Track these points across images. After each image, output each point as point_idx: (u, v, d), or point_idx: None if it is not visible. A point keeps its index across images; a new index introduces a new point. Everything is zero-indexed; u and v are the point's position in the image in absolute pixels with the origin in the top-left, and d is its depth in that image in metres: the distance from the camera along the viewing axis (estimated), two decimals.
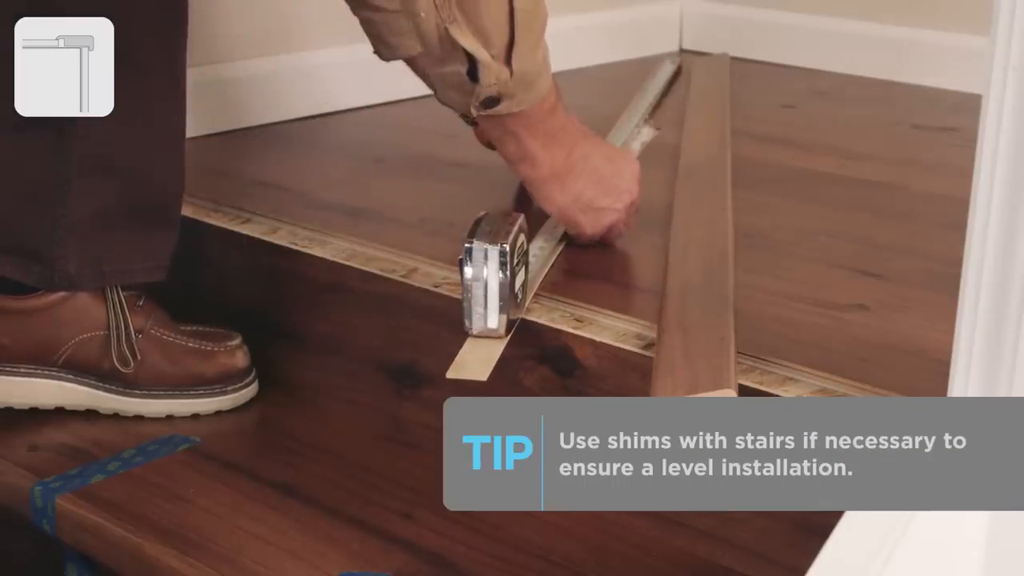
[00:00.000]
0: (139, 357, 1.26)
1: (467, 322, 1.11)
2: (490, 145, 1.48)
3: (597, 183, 1.27)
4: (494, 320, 1.10)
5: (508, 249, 1.09)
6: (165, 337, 1.28)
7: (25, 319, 1.26)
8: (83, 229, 1.24)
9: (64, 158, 1.22)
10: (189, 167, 1.31)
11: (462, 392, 1.10)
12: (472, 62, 1.13)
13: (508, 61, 1.14)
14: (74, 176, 1.23)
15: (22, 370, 1.26)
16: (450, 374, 1.07)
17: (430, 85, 1.19)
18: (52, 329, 1.26)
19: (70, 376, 1.27)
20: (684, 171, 1.51)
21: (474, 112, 1.17)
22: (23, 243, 1.25)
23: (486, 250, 1.09)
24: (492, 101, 1.16)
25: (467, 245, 1.09)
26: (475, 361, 1.08)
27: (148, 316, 1.28)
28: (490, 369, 1.08)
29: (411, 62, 1.17)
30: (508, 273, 1.09)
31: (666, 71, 2.01)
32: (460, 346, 1.11)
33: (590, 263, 1.27)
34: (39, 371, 1.27)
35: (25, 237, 1.25)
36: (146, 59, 1.21)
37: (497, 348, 1.10)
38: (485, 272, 1.09)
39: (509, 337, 1.11)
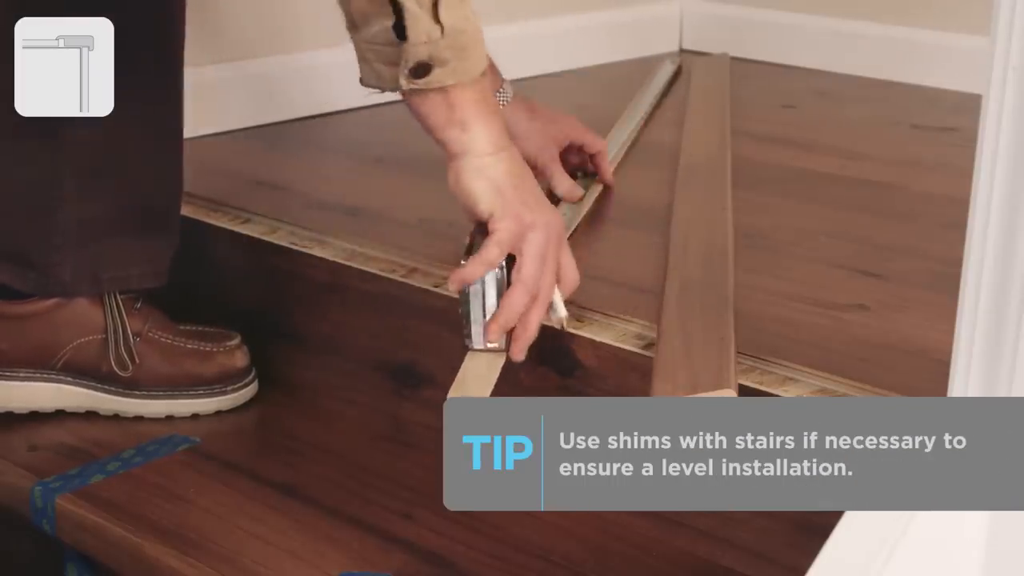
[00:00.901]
0: (137, 360, 1.26)
1: (466, 338, 1.10)
2: None
3: (526, 187, 1.11)
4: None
5: (504, 265, 1.08)
6: (163, 339, 1.28)
7: (23, 324, 1.26)
8: (78, 235, 1.24)
9: (59, 164, 1.22)
10: (189, 167, 1.31)
11: None
12: (399, 14, 1.02)
13: (436, 14, 1.02)
14: (69, 182, 1.22)
15: (21, 374, 1.26)
16: (451, 394, 1.06)
17: (360, 60, 1.08)
18: (50, 333, 1.26)
19: (69, 378, 1.27)
20: (684, 171, 1.51)
21: (404, 84, 1.04)
22: (18, 249, 1.25)
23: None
24: (423, 69, 1.03)
25: (464, 263, 1.08)
26: (476, 379, 1.08)
27: (146, 319, 1.28)
28: (491, 387, 1.07)
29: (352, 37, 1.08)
30: (506, 285, 1.08)
31: (666, 71, 2.01)
32: (460, 346, 1.10)
33: (590, 263, 1.27)
34: (38, 375, 1.26)
35: (20, 243, 1.24)
36: (143, 62, 1.20)
37: (497, 364, 1.09)
38: (482, 288, 1.08)
39: (506, 356, 1.11)
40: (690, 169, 1.52)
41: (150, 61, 1.22)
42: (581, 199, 1.41)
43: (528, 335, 1.09)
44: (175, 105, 1.27)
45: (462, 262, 1.08)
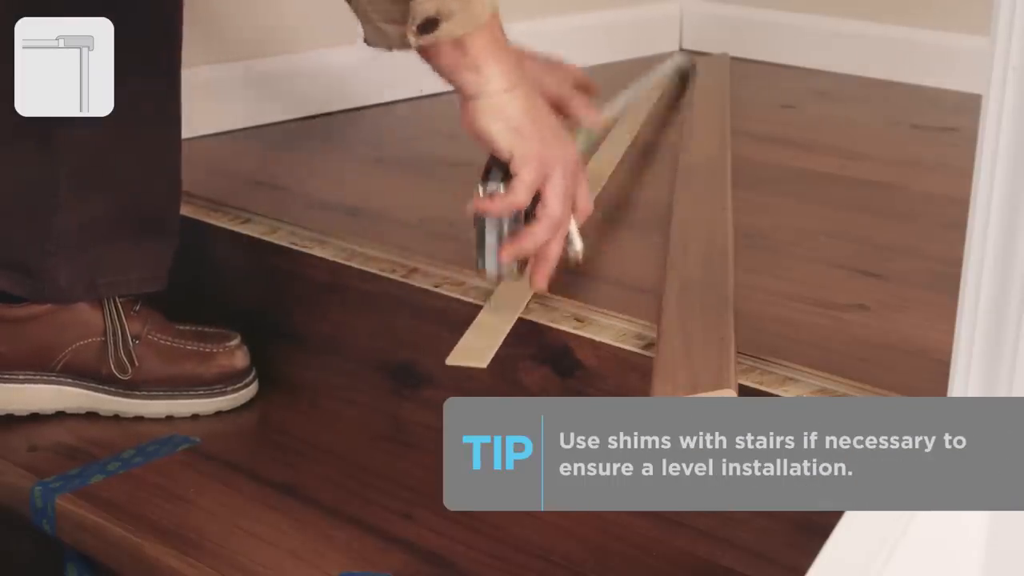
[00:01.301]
0: (137, 363, 1.26)
1: (480, 263, 1.10)
2: None
3: (544, 122, 1.10)
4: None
5: None
6: (163, 341, 1.27)
7: (22, 327, 1.25)
8: (73, 241, 1.23)
9: (53, 168, 1.21)
10: (189, 167, 1.31)
11: (462, 392, 1.11)
12: None
13: None
14: (64, 187, 1.22)
15: (20, 377, 1.26)
16: (450, 360, 1.06)
17: (363, 21, 1.07)
18: (49, 336, 1.25)
19: (69, 380, 1.27)
20: (684, 171, 1.51)
21: (413, 42, 1.03)
22: (14, 255, 1.24)
23: (500, 187, 1.08)
24: (431, 24, 1.02)
25: (481, 185, 1.07)
26: (477, 349, 1.08)
27: (145, 321, 1.27)
28: (490, 356, 1.07)
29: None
30: (523, 214, 1.08)
31: (672, 63, 1.99)
32: None
33: (590, 263, 1.27)
34: (38, 377, 1.26)
35: (15, 249, 1.24)
36: (141, 63, 1.20)
37: (499, 336, 1.09)
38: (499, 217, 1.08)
39: (511, 326, 1.11)
40: (690, 169, 1.52)
41: (148, 62, 1.22)
42: (607, 124, 1.41)
43: (550, 263, 1.11)
44: (173, 106, 1.27)
45: (479, 188, 1.07)
